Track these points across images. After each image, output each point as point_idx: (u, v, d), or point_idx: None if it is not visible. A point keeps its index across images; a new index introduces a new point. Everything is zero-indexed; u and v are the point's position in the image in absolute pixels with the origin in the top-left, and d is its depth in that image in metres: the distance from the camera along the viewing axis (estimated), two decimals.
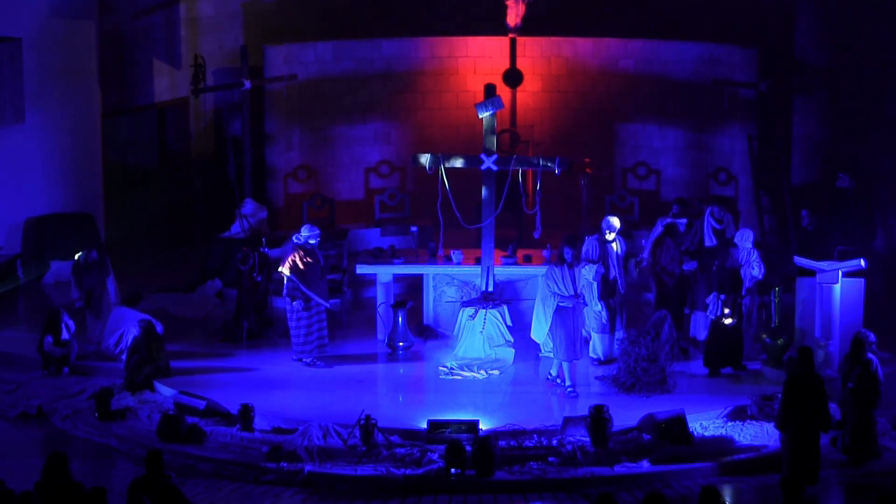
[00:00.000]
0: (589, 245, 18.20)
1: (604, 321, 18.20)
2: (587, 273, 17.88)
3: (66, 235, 20.62)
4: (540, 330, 17.51)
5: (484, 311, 18.41)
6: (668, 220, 19.07)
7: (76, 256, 18.90)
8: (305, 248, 18.31)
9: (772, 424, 16.23)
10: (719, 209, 19.22)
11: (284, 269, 18.22)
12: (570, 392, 17.21)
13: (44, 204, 21.89)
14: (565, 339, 17.23)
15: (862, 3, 21.82)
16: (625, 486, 15.03)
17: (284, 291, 18.26)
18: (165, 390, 17.48)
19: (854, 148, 22.18)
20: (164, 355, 17.87)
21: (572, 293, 17.20)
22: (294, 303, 18.17)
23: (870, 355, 15.50)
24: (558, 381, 17.42)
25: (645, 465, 15.47)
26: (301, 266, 18.19)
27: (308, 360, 18.33)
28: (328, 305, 18.61)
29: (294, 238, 18.44)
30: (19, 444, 16.38)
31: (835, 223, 20.76)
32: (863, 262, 17.47)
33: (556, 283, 17.20)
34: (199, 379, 17.83)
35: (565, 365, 17.30)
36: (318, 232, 18.48)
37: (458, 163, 18.77)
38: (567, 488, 15.05)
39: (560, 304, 17.20)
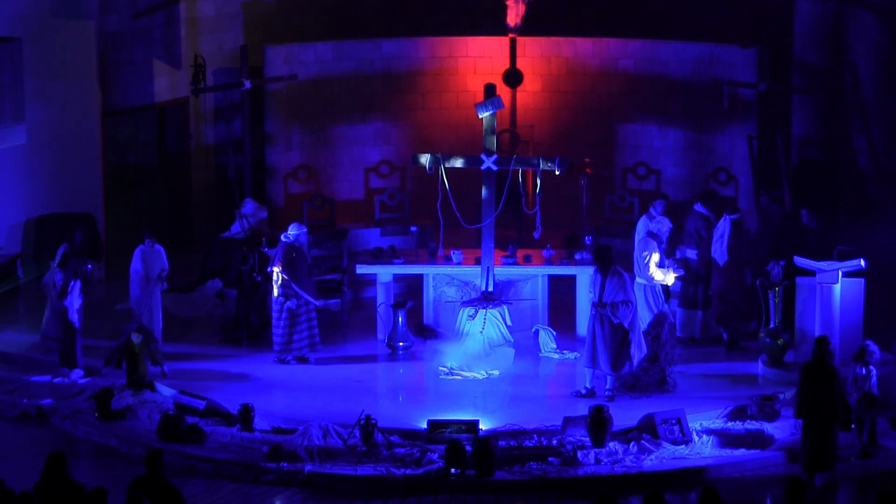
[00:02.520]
0: (651, 252, 17.87)
1: None
2: (669, 278, 17.75)
3: (66, 235, 20.58)
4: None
5: (484, 311, 18.41)
6: (735, 216, 19.07)
7: (60, 249, 18.89)
8: (294, 247, 18.35)
9: (772, 424, 16.29)
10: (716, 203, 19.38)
11: (276, 269, 18.22)
12: (575, 392, 17.16)
13: (44, 204, 21.88)
14: (587, 345, 17.13)
15: (861, 3, 21.82)
16: (625, 486, 15.03)
17: (278, 291, 18.24)
18: (165, 390, 17.49)
19: (853, 148, 22.19)
20: (159, 356, 17.84)
21: (597, 300, 16.97)
22: (288, 301, 18.17)
23: None
24: (582, 391, 17.26)
25: (645, 465, 15.48)
26: (290, 265, 18.22)
27: (290, 358, 18.37)
28: (320, 304, 18.63)
29: (283, 237, 18.44)
30: (19, 444, 16.37)
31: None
32: (863, 262, 17.48)
33: (592, 288, 17.09)
34: (199, 379, 17.83)
35: (586, 370, 17.20)
36: (305, 230, 18.57)
37: (458, 163, 18.78)
38: (567, 488, 15.06)
39: (591, 308, 17.10)
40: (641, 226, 18.74)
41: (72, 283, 18.17)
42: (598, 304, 16.87)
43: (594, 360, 17.02)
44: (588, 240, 19.86)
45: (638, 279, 17.77)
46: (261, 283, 19.26)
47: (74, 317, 18.12)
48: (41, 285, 20.94)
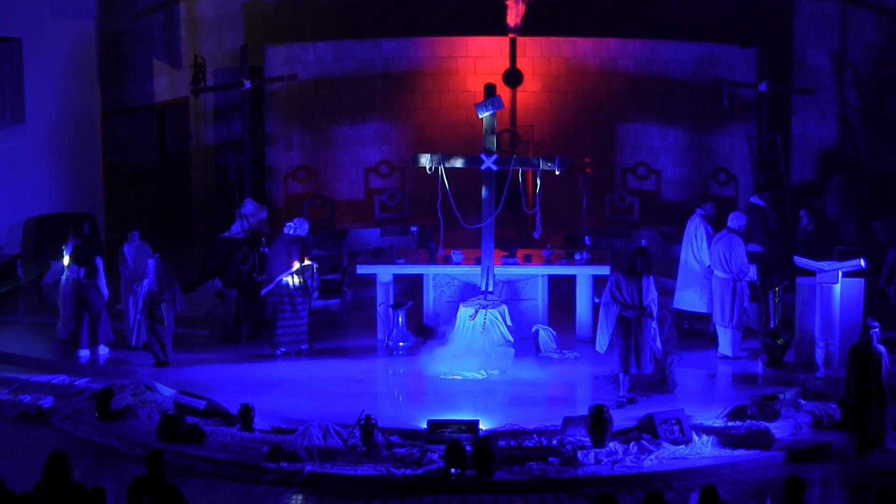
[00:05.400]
0: (742, 248, 18.20)
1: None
2: (753, 273, 18.23)
3: (66, 235, 20.61)
4: (603, 339, 17.16)
5: (484, 311, 18.40)
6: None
7: (70, 244, 18.91)
8: (306, 241, 18.65)
9: (772, 424, 16.29)
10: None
11: (308, 261, 18.66)
12: (621, 401, 16.90)
13: (44, 204, 21.90)
14: (622, 350, 16.96)
15: (862, 3, 21.84)
16: (625, 486, 15.03)
17: (316, 281, 18.67)
18: (165, 390, 17.50)
19: (854, 148, 22.21)
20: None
21: (637, 304, 16.94)
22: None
23: None
24: (623, 400, 17.00)
25: (645, 465, 15.48)
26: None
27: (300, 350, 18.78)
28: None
29: (298, 231, 18.65)
30: (19, 444, 16.37)
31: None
32: (863, 262, 17.49)
33: (621, 292, 16.93)
34: (199, 379, 17.84)
35: (621, 376, 17.05)
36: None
37: (458, 163, 18.78)
38: (567, 488, 15.06)
39: (623, 313, 16.94)
40: (693, 227, 18.90)
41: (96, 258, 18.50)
42: (641, 308, 16.85)
43: (637, 364, 16.89)
44: (588, 240, 19.85)
45: (719, 274, 18.26)
46: (260, 283, 19.29)
47: (106, 290, 18.46)
48: (42, 285, 21.01)
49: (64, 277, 18.88)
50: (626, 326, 16.90)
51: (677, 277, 19.34)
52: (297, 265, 18.58)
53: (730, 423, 16.43)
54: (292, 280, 18.55)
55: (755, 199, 19.82)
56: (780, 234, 20.02)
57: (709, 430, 16.21)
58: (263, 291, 18.85)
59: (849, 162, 22.20)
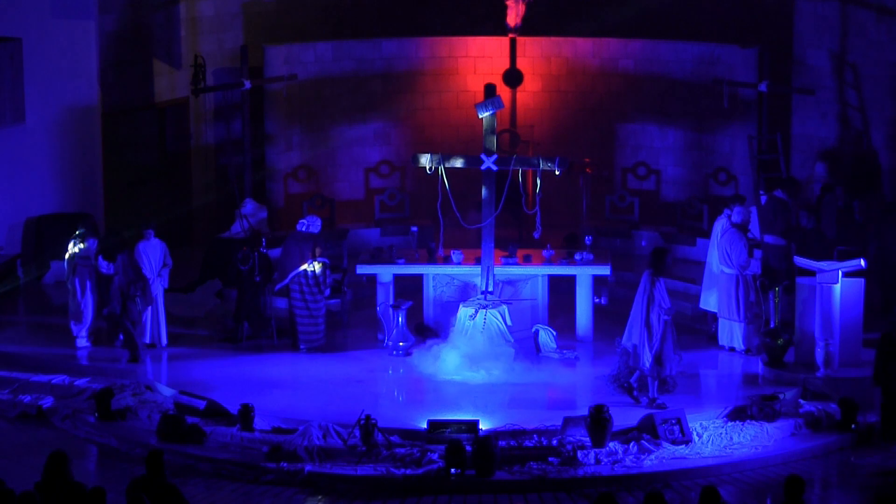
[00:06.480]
0: (742, 242, 18.31)
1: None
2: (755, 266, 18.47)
3: (66, 235, 20.61)
4: (647, 351, 16.81)
5: (484, 311, 18.40)
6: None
7: (93, 243, 18.88)
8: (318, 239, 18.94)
9: (772, 425, 16.29)
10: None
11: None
12: (647, 401, 16.87)
13: (44, 204, 21.90)
14: (670, 353, 16.84)
15: (862, 3, 21.84)
16: (625, 486, 15.04)
17: (330, 278, 18.98)
18: (165, 390, 17.50)
19: (854, 148, 22.21)
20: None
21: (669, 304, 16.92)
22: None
23: None
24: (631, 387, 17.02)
25: (645, 465, 15.48)
26: None
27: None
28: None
29: (309, 228, 18.78)
30: (19, 444, 16.38)
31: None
32: (863, 262, 17.50)
33: (664, 297, 16.80)
34: (199, 379, 17.84)
35: (650, 379, 16.84)
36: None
37: (458, 163, 18.78)
38: (567, 488, 15.06)
39: (665, 317, 16.79)
40: (719, 227, 18.86)
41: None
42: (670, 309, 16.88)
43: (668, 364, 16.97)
44: (588, 240, 19.84)
45: (725, 269, 18.36)
46: (260, 283, 19.30)
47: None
48: (42, 285, 20.99)
49: (85, 274, 18.79)
50: (667, 328, 16.82)
51: (703, 279, 19.34)
52: (315, 251, 18.82)
53: (729, 423, 16.41)
54: (309, 269, 18.67)
55: (778, 193, 19.79)
56: (795, 230, 20.03)
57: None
58: (277, 287, 18.96)
59: (847, 158, 22.22)
